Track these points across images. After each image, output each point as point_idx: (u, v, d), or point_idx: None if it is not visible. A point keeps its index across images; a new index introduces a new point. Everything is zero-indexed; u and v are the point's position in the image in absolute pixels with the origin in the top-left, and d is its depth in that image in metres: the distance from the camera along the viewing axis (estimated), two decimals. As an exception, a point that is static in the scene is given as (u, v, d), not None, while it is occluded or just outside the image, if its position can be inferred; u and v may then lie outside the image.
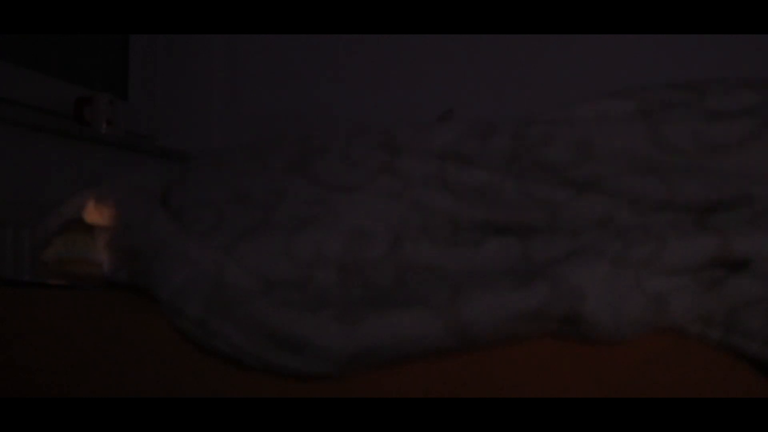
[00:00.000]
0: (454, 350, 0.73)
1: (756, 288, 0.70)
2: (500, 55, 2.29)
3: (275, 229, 0.86)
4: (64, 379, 0.83)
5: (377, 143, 0.92)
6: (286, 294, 0.81)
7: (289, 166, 0.94)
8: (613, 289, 0.70)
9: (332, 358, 0.73)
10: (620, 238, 0.73)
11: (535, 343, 0.72)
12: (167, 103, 2.41)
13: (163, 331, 0.82)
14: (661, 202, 0.77)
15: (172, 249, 0.86)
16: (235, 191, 0.94)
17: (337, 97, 2.48)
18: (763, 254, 0.70)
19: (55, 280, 1.01)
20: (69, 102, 1.97)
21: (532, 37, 2.20)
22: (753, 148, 0.79)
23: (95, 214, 1.00)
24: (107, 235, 0.96)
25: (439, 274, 0.80)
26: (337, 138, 0.96)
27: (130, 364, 0.82)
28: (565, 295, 0.70)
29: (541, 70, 2.25)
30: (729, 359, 0.70)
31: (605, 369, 0.71)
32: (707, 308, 0.71)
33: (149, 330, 0.83)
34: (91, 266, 0.98)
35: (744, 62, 2.00)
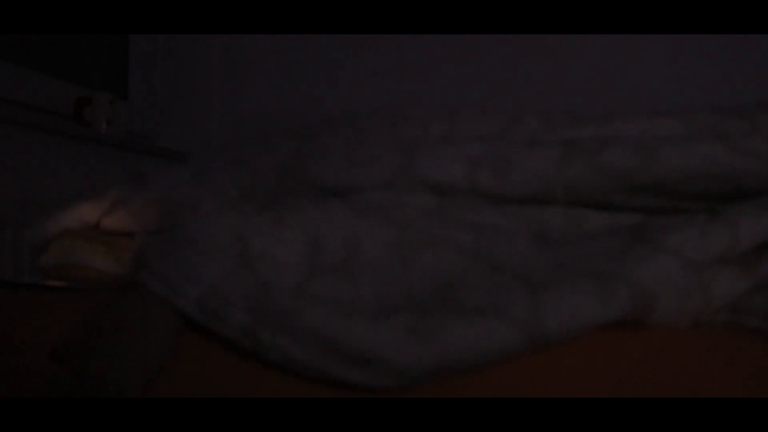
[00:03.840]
0: (526, 354, 0.71)
1: None
2: (500, 55, 2.29)
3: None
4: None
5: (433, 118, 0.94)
6: (335, 286, 0.76)
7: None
8: (681, 287, 0.71)
9: (404, 374, 0.69)
10: (695, 226, 0.73)
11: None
12: (167, 103, 2.41)
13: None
14: (729, 193, 0.77)
15: (198, 234, 0.80)
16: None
17: (337, 97, 2.48)
18: None
19: (55, 282, 1.01)
20: (69, 102, 1.97)
21: (532, 37, 2.20)
22: None
23: (113, 220, 0.99)
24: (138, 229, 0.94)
25: (508, 267, 0.79)
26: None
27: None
28: (642, 301, 0.70)
29: (542, 71, 2.25)
30: (727, 355, 0.70)
31: (606, 369, 0.71)
32: (742, 292, 0.73)
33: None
34: (89, 271, 0.97)
35: (744, 62, 2.00)
